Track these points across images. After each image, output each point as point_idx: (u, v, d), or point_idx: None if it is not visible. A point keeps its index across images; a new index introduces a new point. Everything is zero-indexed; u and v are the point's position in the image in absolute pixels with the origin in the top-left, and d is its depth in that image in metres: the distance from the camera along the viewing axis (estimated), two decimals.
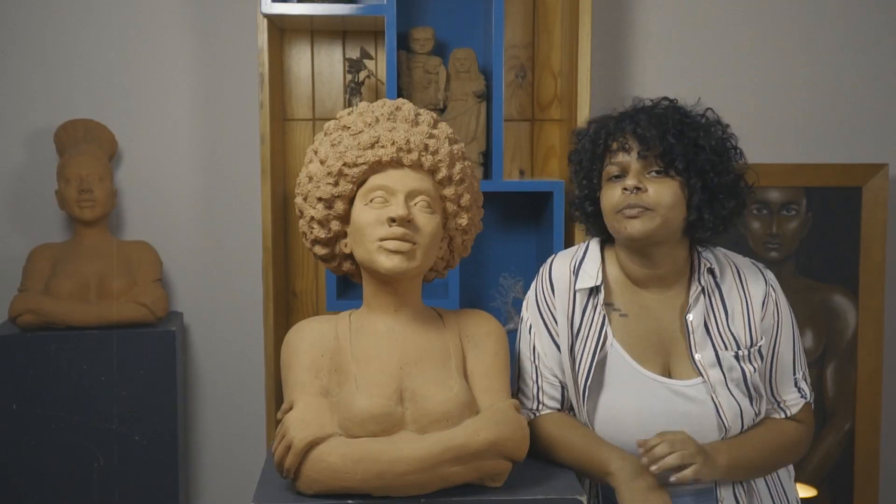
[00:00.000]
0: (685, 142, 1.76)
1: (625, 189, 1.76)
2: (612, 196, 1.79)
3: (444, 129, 1.80)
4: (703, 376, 1.78)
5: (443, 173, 1.74)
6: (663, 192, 1.75)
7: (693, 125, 1.79)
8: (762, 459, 1.80)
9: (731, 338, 1.81)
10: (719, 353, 1.79)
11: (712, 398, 1.77)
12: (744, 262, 1.92)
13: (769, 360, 1.85)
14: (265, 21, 2.57)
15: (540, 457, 1.80)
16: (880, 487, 2.94)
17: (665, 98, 1.86)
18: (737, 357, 1.79)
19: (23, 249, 2.86)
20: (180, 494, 2.77)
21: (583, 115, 2.57)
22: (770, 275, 1.90)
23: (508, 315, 2.82)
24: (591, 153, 1.85)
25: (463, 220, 1.80)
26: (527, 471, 1.71)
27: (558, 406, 1.87)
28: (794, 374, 1.88)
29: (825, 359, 2.88)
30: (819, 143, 3.00)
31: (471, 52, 2.71)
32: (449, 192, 1.76)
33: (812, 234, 2.87)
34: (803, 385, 1.88)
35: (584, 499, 1.62)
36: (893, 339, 3.03)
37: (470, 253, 1.92)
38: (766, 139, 2.99)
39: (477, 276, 2.88)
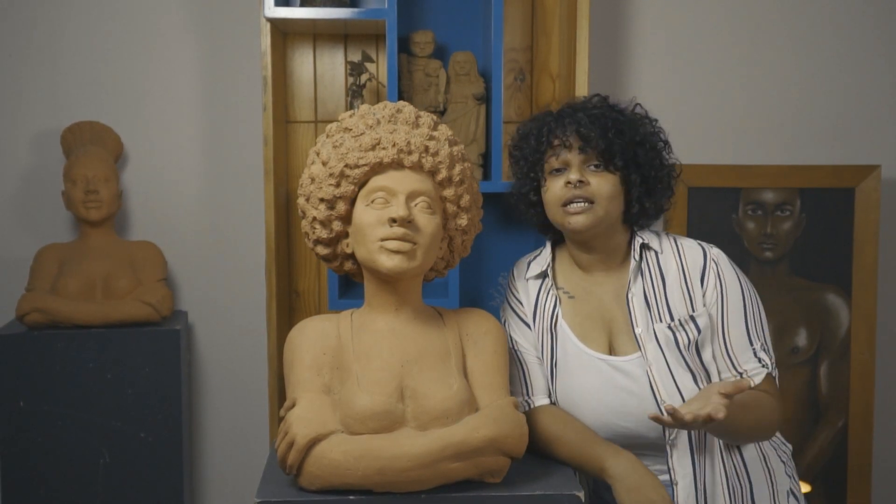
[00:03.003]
0: (624, 139, 1.85)
1: (568, 182, 1.84)
2: (555, 189, 1.87)
3: (444, 131, 1.81)
4: (640, 350, 1.83)
5: (443, 174, 1.76)
6: (603, 185, 1.84)
7: (629, 122, 1.89)
8: (748, 423, 1.78)
9: (665, 309, 1.85)
10: (654, 325, 1.84)
11: (647, 373, 1.81)
12: (686, 239, 1.95)
13: (720, 332, 1.86)
14: (268, 25, 2.59)
15: (537, 452, 1.82)
16: (873, 483, 2.95)
17: (597, 95, 1.96)
18: (670, 327, 1.83)
19: (30, 249, 2.88)
20: (185, 491, 2.78)
21: None
22: (714, 251, 1.91)
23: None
24: (534, 149, 1.92)
25: (463, 221, 1.82)
26: (526, 467, 1.73)
27: (548, 388, 1.91)
28: (752, 344, 1.86)
29: (819, 357, 2.90)
30: (812, 145, 3.01)
31: (470, 56, 2.72)
32: (449, 193, 1.78)
33: (806, 234, 2.88)
34: (763, 356, 1.86)
35: (581, 495, 1.64)
36: (886, 338, 3.04)
37: (469, 253, 1.94)
38: (760, 141, 3.00)
39: (476, 276, 2.89)
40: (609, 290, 1.91)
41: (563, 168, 1.87)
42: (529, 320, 1.94)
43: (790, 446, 2.01)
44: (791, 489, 1.92)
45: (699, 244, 1.92)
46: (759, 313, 1.90)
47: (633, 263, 1.89)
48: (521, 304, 1.97)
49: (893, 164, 3.02)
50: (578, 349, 1.87)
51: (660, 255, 1.90)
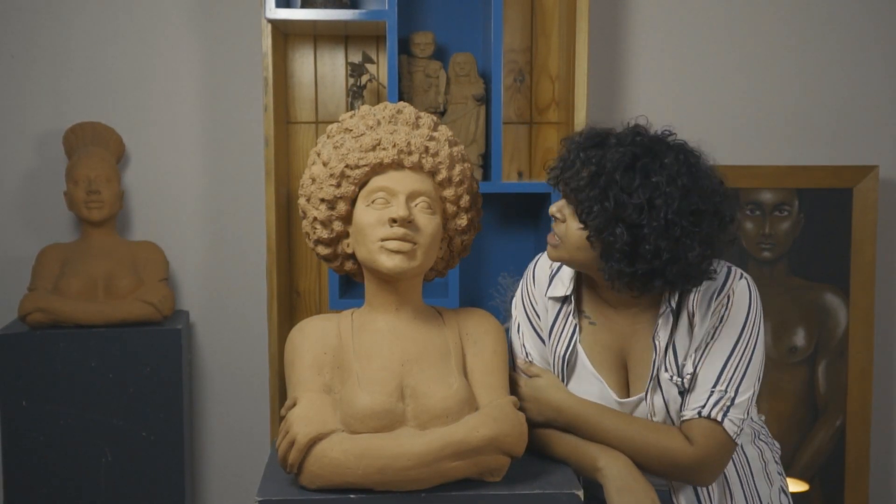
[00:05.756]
0: (591, 195, 1.64)
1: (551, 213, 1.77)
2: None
3: (444, 131, 1.82)
4: (643, 394, 1.78)
5: (443, 175, 1.76)
6: (571, 230, 1.71)
7: (612, 183, 1.62)
8: (620, 437, 1.71)
9: (673, 361, 1.75)
10: (661, 375, 1.75)
11: (650, 419, 1.77)
12: (718, 275, 1.75)
13: (699, 363, 1.72)
14: (269, 26, 2.60)
15: (534, 451, 1.81)
16: (871, 482, 2.97)
17: (636, 130, 1.71)
18: (672, 381, 1.75)
19: (32, 249, 2.89)
20: (186, 489, 2.79)
21: (580, 117, 2.60)
22: (740, 284, 1.74)
23: (507, 314, 2.84)
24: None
25: (462, 221, 1.82)
26: (525, 466, 1.73)
27: None
28: (714, 385, 1.69)
29: (817, 356, 2.91)
30: (811, 146, 3.02)
31: (470, 57, 2.73)
32: (449, 193, 1.78)
33: (804, 234, 2.89)
34: (715, 399, 1.68)
35: (580, 493, 1.64)
36: (883, 337, 3.05)
37: (469, 253, 1.95)
38: (759, 142, 3.01)
39: (476, 276, 2.90)
40: (628, 325, 1.80)
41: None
42: (545, 336, 1.89)
43: (779, 445, 2.01)
44: (782, 487, 1.94)
45: (728, 271, 1.76)
46: (745, 362, 1.71)
47: (664, 307, 1.75)
48: (538, 316, 1.90)
49: (891, 164, 3.03)
50: (592, 377, 1.82)
51: (697, 304, 1.74)
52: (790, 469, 2.90)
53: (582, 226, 1.68)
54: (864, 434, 2.89)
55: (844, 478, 2.91)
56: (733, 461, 1.84)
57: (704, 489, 1.80)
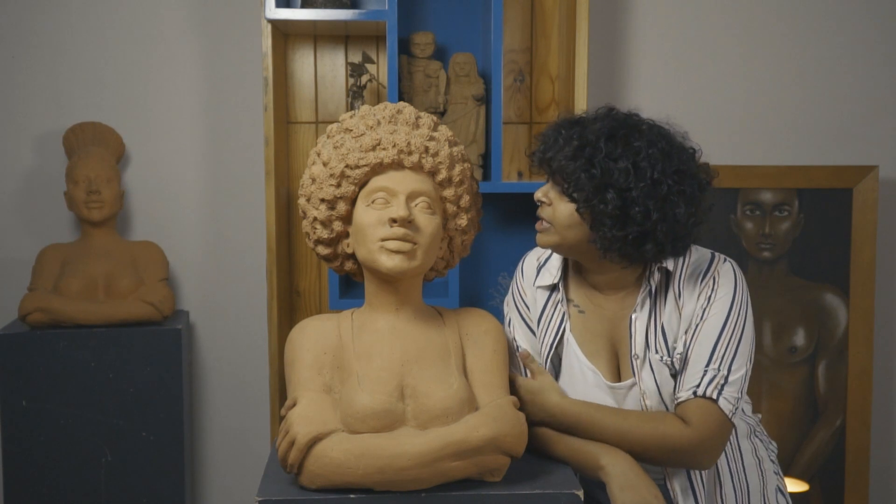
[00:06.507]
0: (577, 166, 1.70)
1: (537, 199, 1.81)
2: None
3: (444, 131, 1.82)
4: (634, 377, 1.79)
5: (443, 175, 1.76)
6: (559, 210, 1.76)
7: (597, 145, 1.70)
8: (617, 432, 1.73)
9: (663, 342, 1.78)
10: (650, 356, 1.78)
11: (641, 402, 1.79)
12: (702, 260, 1.82)
13: (689, 345, 1.76)
14: (269, 26, 2.60)
15: (534, 451, 1.82)
16: (871, 482, 2.97)
17: (603, 107, 1.81)
18: (663, 361, 1.78)
19: (32, 249, 2.89)
20: (186, 489, 2.79)
21: None
22: (724, 266, 1.79)
23: None
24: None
25: (462, 221, 1.82)
26: (525, 466, 1.73)
27: None
28: (707, 364, 1.73)
29: (817, 356, 2.91)
30: (811, 146, 3.02)
31: (470, 57, 2.74)
32: (449, 193, 1.78)
33: (804, 234, 2.89)
34: (709, 378, 1.71)
35: (580, 493, 1.64)
36: (883, 337, 3.06)
37: (469, 253, 1.94)
38: (759, 142, 3.01)
39: (476, 276, 2.90)
40: (618, 310, 1.84)
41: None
42: (535, 326, 1.92)
43: (776, 445, 2.02)
44: (778, 486, 1.94)
45: (711, 256, 1.82)
46: (736, 340, 1.74)
47: (644, 286, 1.80)
48: (527, 308, 1.93)
49: (891, 164, 3.03)
50: (583, 364, 1.84)
51: (682, 283, 1.79)
52: (790, 469, 2.90)
53: (569, 199, 1.73)
54: (864, 434, 2.89)
55: (844, 478, 2.91)
56: (726, 452, 1.85)
57: (697, 475, 1.81)
